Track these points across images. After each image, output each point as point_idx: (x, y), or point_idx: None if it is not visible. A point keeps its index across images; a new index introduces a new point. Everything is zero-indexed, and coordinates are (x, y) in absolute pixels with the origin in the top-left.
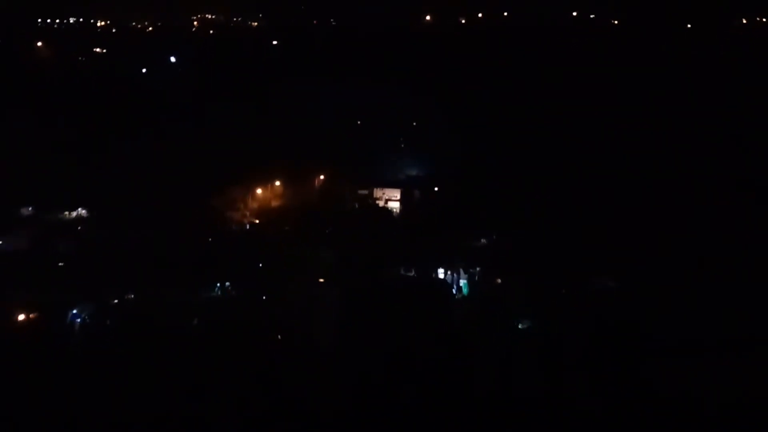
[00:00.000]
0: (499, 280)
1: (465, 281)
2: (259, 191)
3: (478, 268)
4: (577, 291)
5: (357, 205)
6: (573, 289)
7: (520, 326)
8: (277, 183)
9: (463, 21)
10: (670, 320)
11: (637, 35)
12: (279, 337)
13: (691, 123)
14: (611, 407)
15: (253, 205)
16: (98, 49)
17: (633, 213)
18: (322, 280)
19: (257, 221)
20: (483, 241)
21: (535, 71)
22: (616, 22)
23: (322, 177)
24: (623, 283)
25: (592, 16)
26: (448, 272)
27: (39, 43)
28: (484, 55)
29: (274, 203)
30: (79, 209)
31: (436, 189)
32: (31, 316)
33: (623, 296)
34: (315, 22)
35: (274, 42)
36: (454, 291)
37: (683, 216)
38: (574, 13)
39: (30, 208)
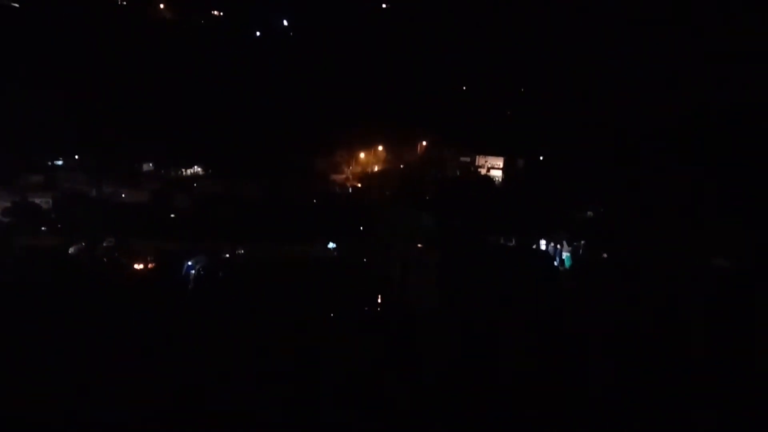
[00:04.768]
0: (605, 255)
1: (568, 254)
2: (362, 155)
3: (582, 242)
4: (696, 271)
5: (458, 172)
6: (691, 269)
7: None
8: (380, 147)
9: None
10: None
11: None
12: (378, 299)
13: None
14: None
15: (356, 168)
16: (216, 12)
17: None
18: (420, 245)
19: (359, 185)
20: (589, 213)
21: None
22: None
23: (424, 143)
24: (737, 262)
25: None
26: (551, 244)
27: (161, 5)
28: (608, 22)
29: (377, 167)
30: (195, 167)
31: (541, 158)
32: (150, 265)
33: (738, 277)
34: None
35: (384, 5)
36: (556, 263)
37: None
38: None
39: (150, 164)
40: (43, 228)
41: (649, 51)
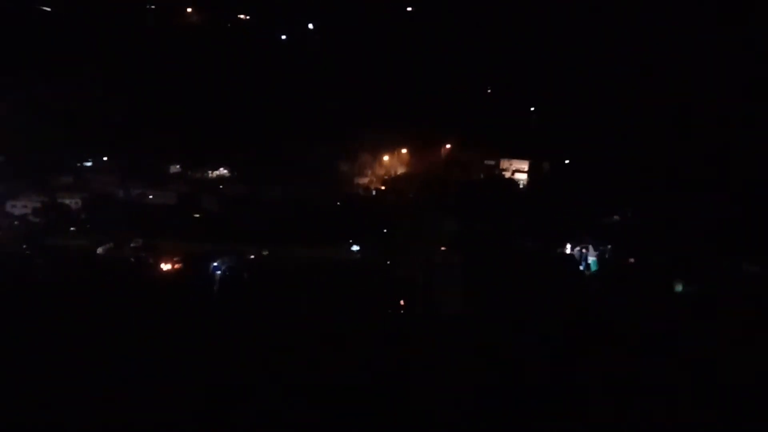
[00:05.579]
0: (632, 260)
1: (594, 258)
2: (386, 158)
3: (609, 246)
4: (725, 277)
5: (482, 176)
6: (720, 275)
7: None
8: (404, 150)
9: None
10: None
11: None
12: (401, 302)
13: None
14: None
15: (380, 171)
16: (242, 16)
17: None
18: (444, 248)
19: (383, 187)
20: (616, 217)
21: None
22: None
23: (448, 146)
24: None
25: None
26: (576, 248)
27: (189, 9)
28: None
29: (400, 170)
30: (221, 168)
31: (567, 162)
32: (176, 266)
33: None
34: None
35: (409, 9)
36: (582, 267)
37: None
38: None
39: (177, 166)
40: (72, 228)
41: (680, 55)
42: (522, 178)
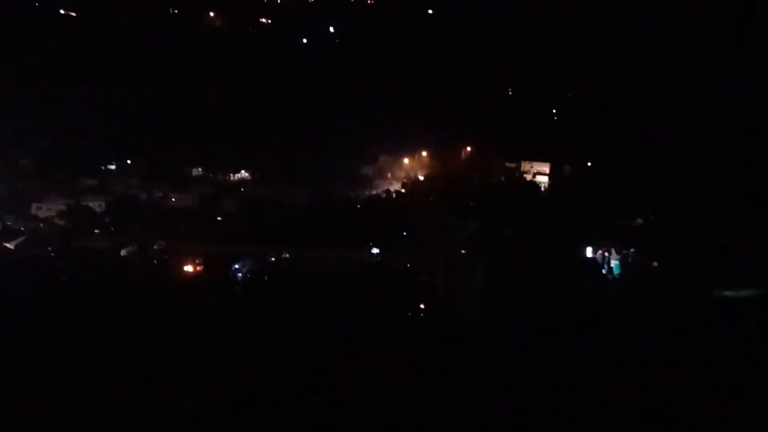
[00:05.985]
0: (656, 264)
1: (617, 262)
2: (406, 161)
3: (632, 249)
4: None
5: (503, 178)
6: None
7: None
8: (424, 153)
9: None
10: None
11: None
12: (422, 305)
13: None
14: None
15: (400, 174)
16: (264, 20)
17: None
18: (464, 251)
19: (403, 190)
20: (639, 221)
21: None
22: None
23: (468, 148)
24: None
25: None
26: (598, 252)
27: (211, 13)
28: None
29: (421, 173)
30: (242, 171)
31: (589, 164)
32: (198, 268)
33: None
34: None
35: (430, 11)
36: (604, 271)
37: None
38: None
39: (200, 169)
40: (96, 231)
41: (707, 58)
42: (543, 180)
